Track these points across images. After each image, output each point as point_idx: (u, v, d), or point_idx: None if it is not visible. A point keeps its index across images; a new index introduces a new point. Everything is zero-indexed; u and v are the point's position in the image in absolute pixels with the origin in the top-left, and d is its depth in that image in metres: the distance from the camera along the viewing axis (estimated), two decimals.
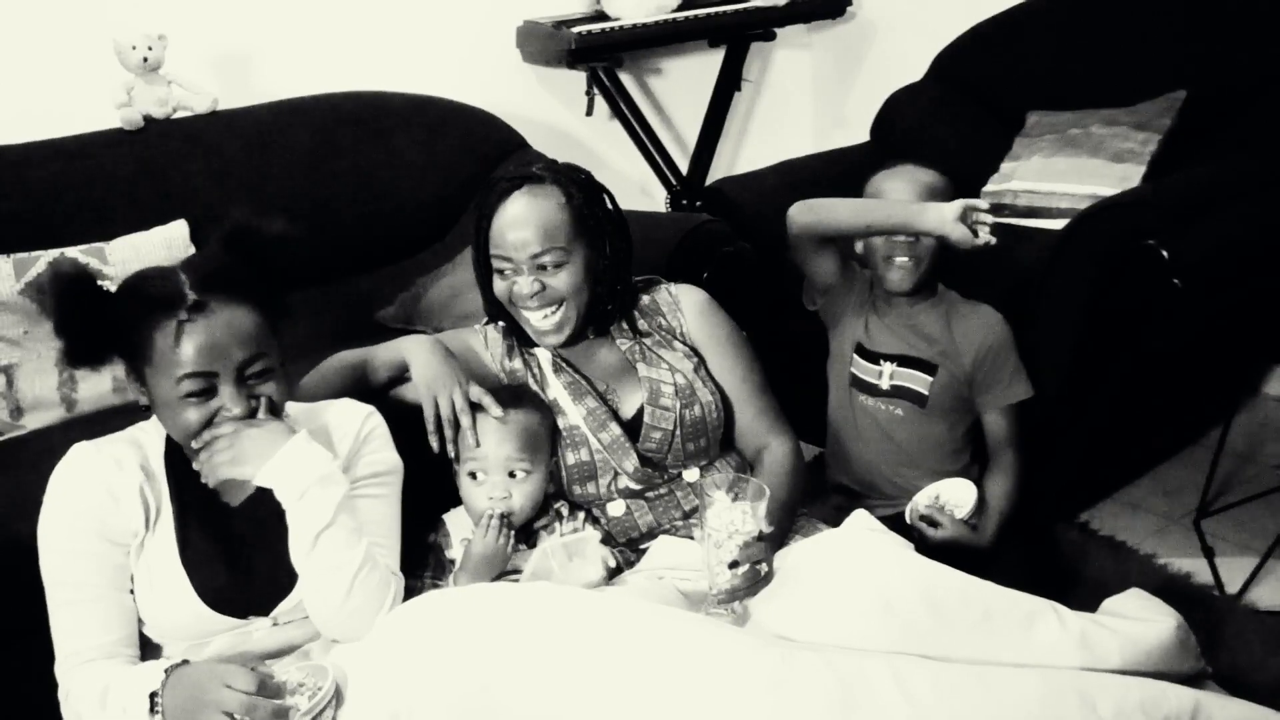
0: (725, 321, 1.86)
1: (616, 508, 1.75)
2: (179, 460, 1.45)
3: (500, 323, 1.83)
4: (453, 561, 1.64)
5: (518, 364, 1.81)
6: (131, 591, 1.42)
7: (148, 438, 1.47)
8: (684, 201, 3.29)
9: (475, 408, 1.66)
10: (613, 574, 1.67)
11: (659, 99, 3.49)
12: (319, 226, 2.42)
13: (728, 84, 3.34)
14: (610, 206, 1.79)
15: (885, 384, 1.98)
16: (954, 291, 2.02)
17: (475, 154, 2.66)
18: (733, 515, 1.49)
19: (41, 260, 2.11)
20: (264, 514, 1.42)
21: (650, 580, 1.64)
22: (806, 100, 3.74)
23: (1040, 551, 2.05)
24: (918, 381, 1.96)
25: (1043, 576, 1.80)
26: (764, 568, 1.52)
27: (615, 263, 1.77)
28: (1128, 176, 2.41)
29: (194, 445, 1.39)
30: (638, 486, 1.74)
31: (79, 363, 1.40)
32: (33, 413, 2.04)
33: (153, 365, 1.36)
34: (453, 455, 1.66)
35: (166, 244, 2.23)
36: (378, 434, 1.56)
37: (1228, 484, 2.32)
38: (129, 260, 2.16)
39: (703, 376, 1.79)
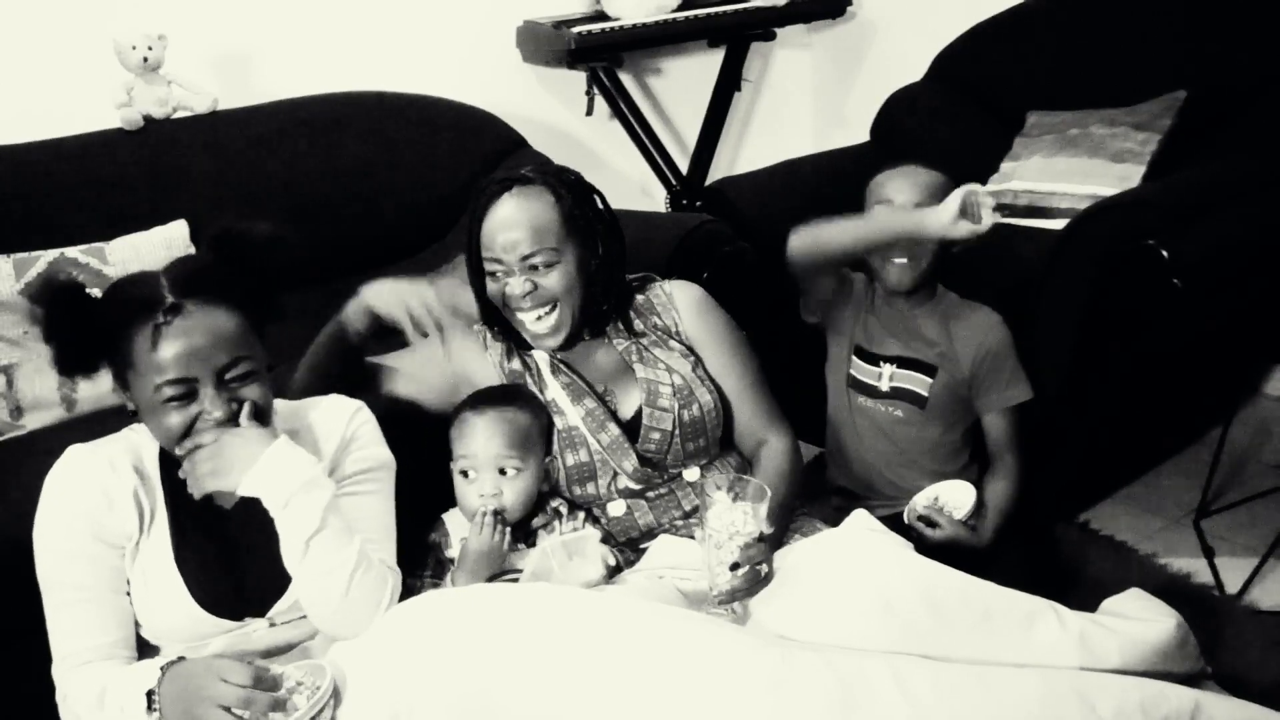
0: (721, 317, 1.86)
1: (617, 507, 1.74)
2: (172, 463, 1.44)
3: (496, 327, 1.82)
4: (451, 560, 1.65)
5: (516, 365, 1.81)
6: (128, 594, 1.42)
7: (142, 439, 1.47)
8: (684, 201, 3.28)
9: (466, 406, 1.68)
10: (612, 573, 1.68)
11: (659, 99, 3.49)
12: (319, 226, 2.42)
13: (728, 84, 3.34)
14: (601, 206, 1.79)
15: (885, 386, 1.98)
16: (953, 293, 2.02)
17: (475, 154, 2.65)
18: (734, 516, 1.49)
19: (42, 260, 2.11)
20: (257, 516, 1.41)
21: (650, 579, 1.64)
22: (806, 100, 3.74)
23: (1040, 551, 2.05)
24: (917, 383, 1.96)
25: (1043, 576, 1.80)
26: (764, 569, 1.51)
27: (608, 262, 1.77)
28: (1128, 176, 2.41)
29: (178, 451, 1.38)
30: (638, 486, 1.74)
31: (70, 371, 1.39)
32: (33, 413, 2.04)
33: (134, 369, 1.36)
34: (440, 340, 1.73)
35: (166, 244, 2.23)
36: (366, 430, 1.55)
37: (1228, 484, 2.32)
38: (129, 260, 2.16)
39: (701, 376, 1.79)
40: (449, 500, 1.71)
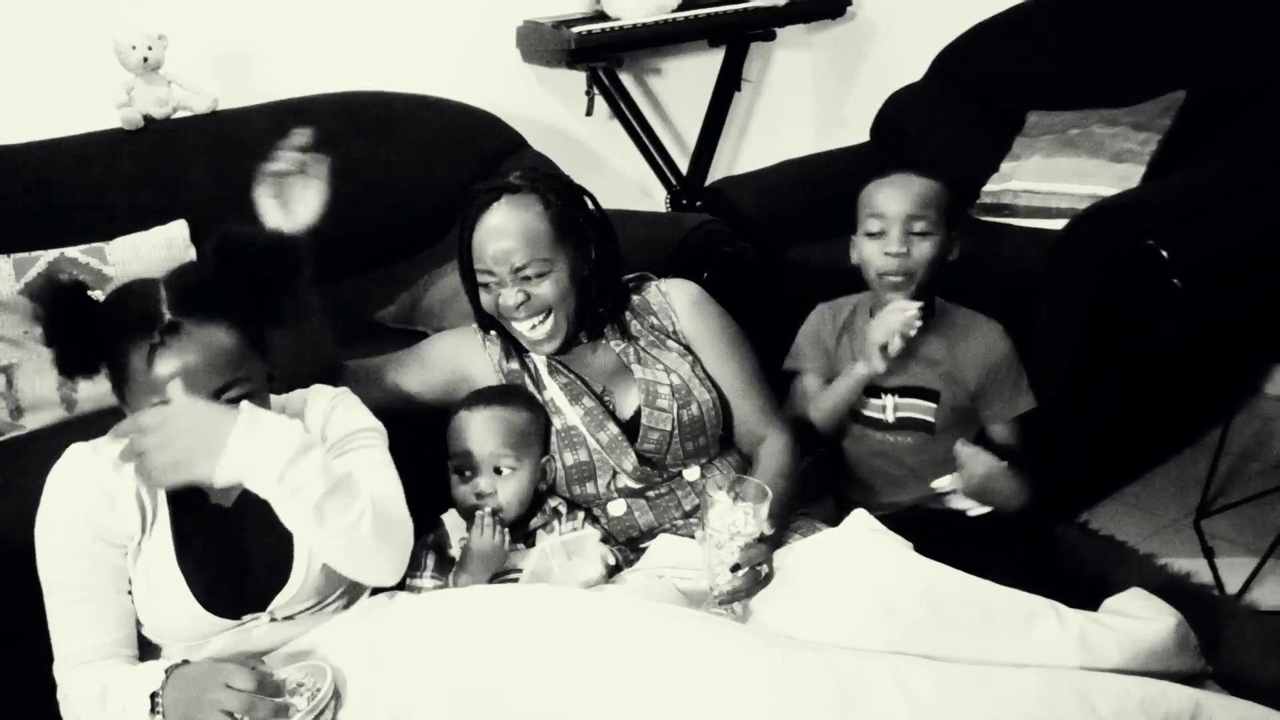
0: (718, 315, 1.84)
1: (617, 507, 1.74)
2: None
3: (493, 332, 1.82)
4: (452, 560, 1.65)
5: (515, 365, 1.80)
6: (129, 593, 1.42)
7: None
8: (684, 201, 3.29)
9: (462, 405, 1.68)
10: (612, 572, 1.68)
11: (659, 99, 3.49)
12: (318, 226, 2.41)
13: (728, 84, 3.34)
14: (592, 208, 1.78)
15: (890, 417, 1.92)
16: (952, 305, 1.96)
17: (475, 154, 2.65)
18: (734, 517, 1.49)
19: (42, 260, 2.11)
20: (256, 509, 1.38)
21: (650, 579, 1.64)
22: (806, 100, 3.74)
23: (1040, 551, 2.04)
24: (922, 410, 1.91)
25: (1043, 576, 1.79)
26: (765, 569, 1.52)
27: (601, 266, 1.76)
28: (1127, 176, 2.41)
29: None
30: (637, 486, 1.74)
31: (70, 372, 1.38)
32: (33, 413, 2.04)
33: (129, 384, 1.34)
34: None
35: (166, 244, 2.23)
36: (348, 401, 1.53)
37: (1228, 484, 2.32)
38: (129, 260, 2.16)
39: (699, 375, 1.79)
40: (449, 501, 1.71)
